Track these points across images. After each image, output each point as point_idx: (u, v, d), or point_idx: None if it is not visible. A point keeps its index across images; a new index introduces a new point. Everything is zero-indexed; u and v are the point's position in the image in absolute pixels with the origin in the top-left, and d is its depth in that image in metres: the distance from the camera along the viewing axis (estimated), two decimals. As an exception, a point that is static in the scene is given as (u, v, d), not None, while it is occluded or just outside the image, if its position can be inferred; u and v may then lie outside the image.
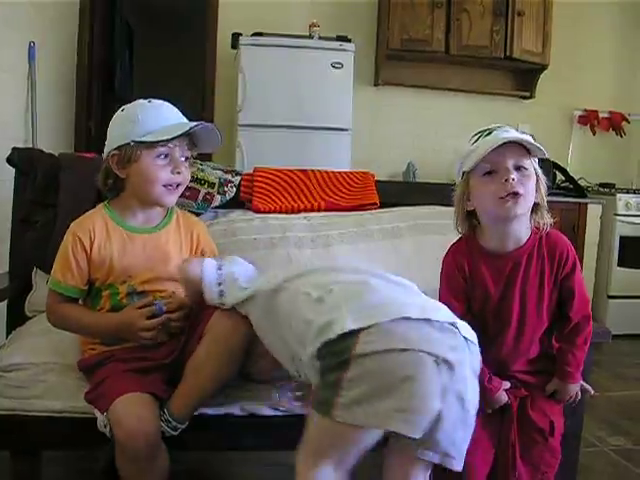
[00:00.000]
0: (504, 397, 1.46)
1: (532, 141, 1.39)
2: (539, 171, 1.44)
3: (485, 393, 1.45)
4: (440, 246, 1.72)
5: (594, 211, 4.23)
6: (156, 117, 1.54)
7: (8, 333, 1.87)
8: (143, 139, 1.51)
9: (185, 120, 1.59)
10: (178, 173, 1.55)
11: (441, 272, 1.54)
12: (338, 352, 1.15)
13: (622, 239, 4.25)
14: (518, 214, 1.41)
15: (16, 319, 1.94)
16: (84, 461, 2.03)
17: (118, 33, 4.77)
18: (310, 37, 3.85)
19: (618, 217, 4.24)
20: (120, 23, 4.81)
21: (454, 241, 1.57)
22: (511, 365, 1.50)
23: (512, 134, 1.41)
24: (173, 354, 1.53)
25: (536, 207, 1.45)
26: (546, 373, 1.52)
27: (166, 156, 1.54)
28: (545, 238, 1.47)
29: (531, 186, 1.41)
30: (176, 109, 1.60)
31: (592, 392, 1.57)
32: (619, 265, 4.25)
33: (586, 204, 4.22)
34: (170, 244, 1.64)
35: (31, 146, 3.18)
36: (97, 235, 1.56)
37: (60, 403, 1.52)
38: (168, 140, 1.51)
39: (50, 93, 3.64)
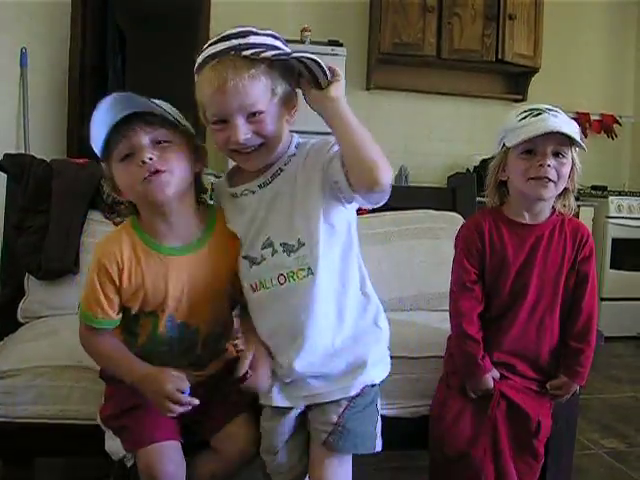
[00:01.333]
0: (490, 382, 1.46)
1: (574, 135, 1.41)
2: (577, 160, 1.48)
3: (475, 370, 1.46)
4: (432, 250, 1.72)
5: (586, 214, 4.23)
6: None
7: (0, 339, 1.86)
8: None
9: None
10: (143, 163, 1.25)
11: (457, 238, 1.57)
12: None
13: (614, 241, 4.26)
14: (545, 198, 1.47)
15: (8, 325, 1.92)
16: (77, 469, 2.02)
17: (110, 38, 4.77)
18: (302, 42, 3.85)
19: (610, 220, 4.25)
20: (112, 28, 4.81)
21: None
22: (515, 349, 1.49)
23: (559, 120, 1.43)
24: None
25: (565, 191, 1.50)
26: (548, 372, 1.52)
27: (128, 155, 1.28)
28: (568, 220, 1.52)
29: (564, 172, 1.45)
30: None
31: None
32: (612, 267, 4.26)
33: (578, 207, 4.19)
34: (209, 266, 1.36)
35: (23, 152, 3.17)
36: (126, 262, 1.32)
37: (51, 408, 1.52)
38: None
39: (42, 99, 3.63)
